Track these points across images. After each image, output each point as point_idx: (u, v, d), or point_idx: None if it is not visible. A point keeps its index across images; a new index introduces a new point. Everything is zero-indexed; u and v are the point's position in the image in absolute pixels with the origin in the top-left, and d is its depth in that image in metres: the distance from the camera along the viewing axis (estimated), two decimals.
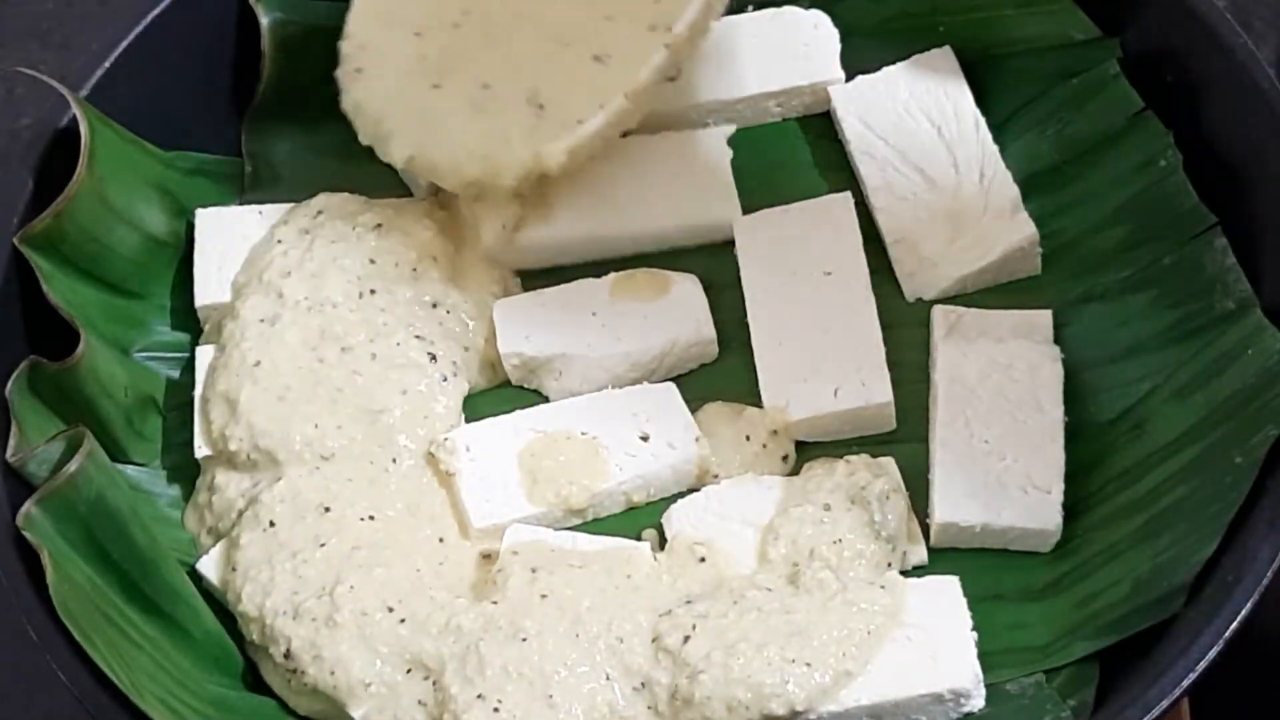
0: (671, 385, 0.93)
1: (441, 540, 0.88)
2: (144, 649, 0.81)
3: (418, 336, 0.92)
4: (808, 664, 0.80)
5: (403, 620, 0.83)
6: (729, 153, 0.99)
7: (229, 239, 0.97)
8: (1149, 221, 0.93)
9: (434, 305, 0.93)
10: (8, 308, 0.89)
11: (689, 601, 0.84)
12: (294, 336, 0.91)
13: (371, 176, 0.99)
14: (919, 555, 0.87)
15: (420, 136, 0.92)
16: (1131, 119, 0.95)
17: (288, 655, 0.83)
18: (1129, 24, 0.97)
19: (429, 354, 0.92)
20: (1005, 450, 0.88)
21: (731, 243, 0.96)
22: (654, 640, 0.82)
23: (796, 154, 1.01)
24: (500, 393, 0.95)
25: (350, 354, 0.91)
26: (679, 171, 0.98)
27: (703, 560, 0.86)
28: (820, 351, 0.92)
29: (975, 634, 0.82)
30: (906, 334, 0.94)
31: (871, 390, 0.90)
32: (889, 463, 0.89)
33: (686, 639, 0.81)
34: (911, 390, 0.93)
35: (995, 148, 0.97)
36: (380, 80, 0.94)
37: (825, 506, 0.86)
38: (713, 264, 0.97)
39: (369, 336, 0.91)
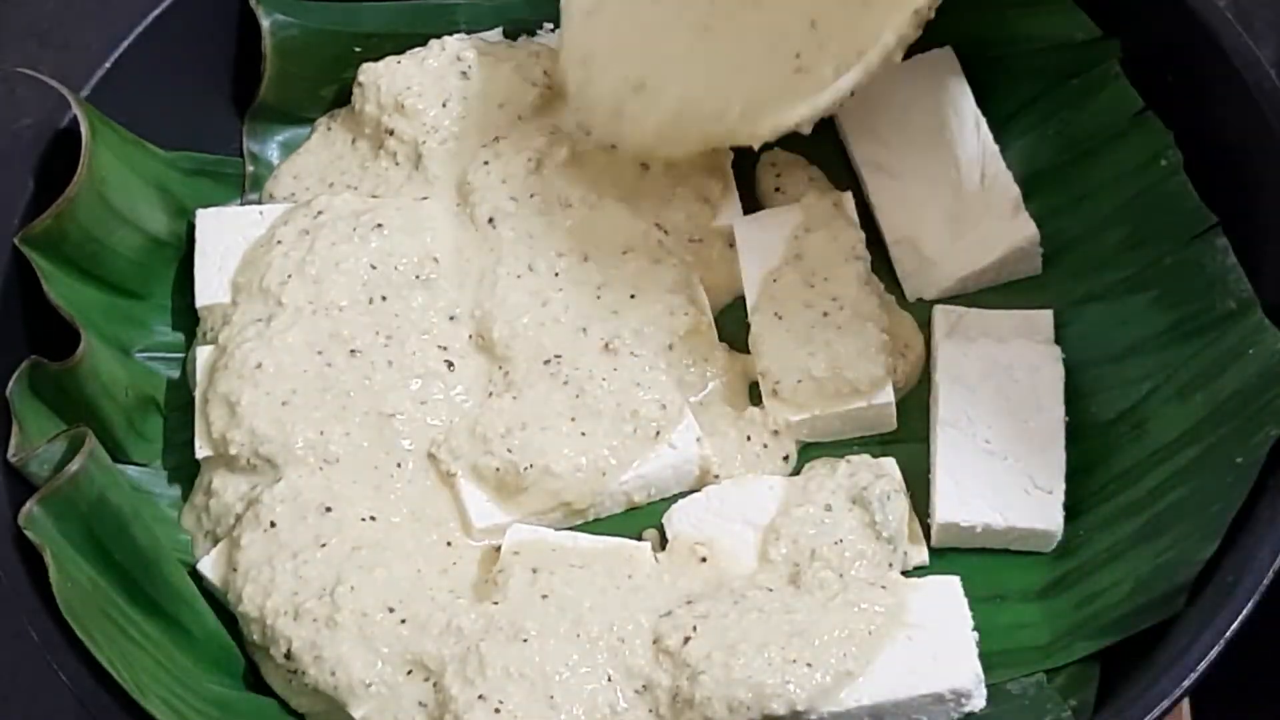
0: None
1: (450, 544, 0.88)
2: (145, 649, 0.81)
3: (441, 347, 0.92)
4: (809, 664, 0.80)
5: (403, 621, 0.83)
6: (729, 153, 0.99)
7: (229, 239, 0.97)
8: (1149, 221, 0.93)
9: (451, 317, 0.93)
10: (8, 308, 0.89)
11: (690, 602, 0.84)
12: (297, 339, 0.91)
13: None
14: (920, 556, 0.87)
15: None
16: (1132, 119, 0.95)
17: (288, 655, 0.83)
18: (1129, 24, 0.97)
19: (446, 362, 0.92)
20: (1006, 450, 0.88)
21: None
22: (655, 641, 0.82)
23: None
24: None
25: (360, 358, 0.91)
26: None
27: (704, 560, 0.86)
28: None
29: (976, 634, 0.82)
30: None
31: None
32: (890, 463, 0.89)
33: (687, 640, 0.81)
34: (912, 390, 0.93)
35: (996, 148, 0.97)
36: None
37: (826, 507, 0.86)
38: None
39: (382, 341, 0.91)
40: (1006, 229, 0.94)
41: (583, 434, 0.88)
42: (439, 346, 0.92)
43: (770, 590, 0.84)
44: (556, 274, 0.93)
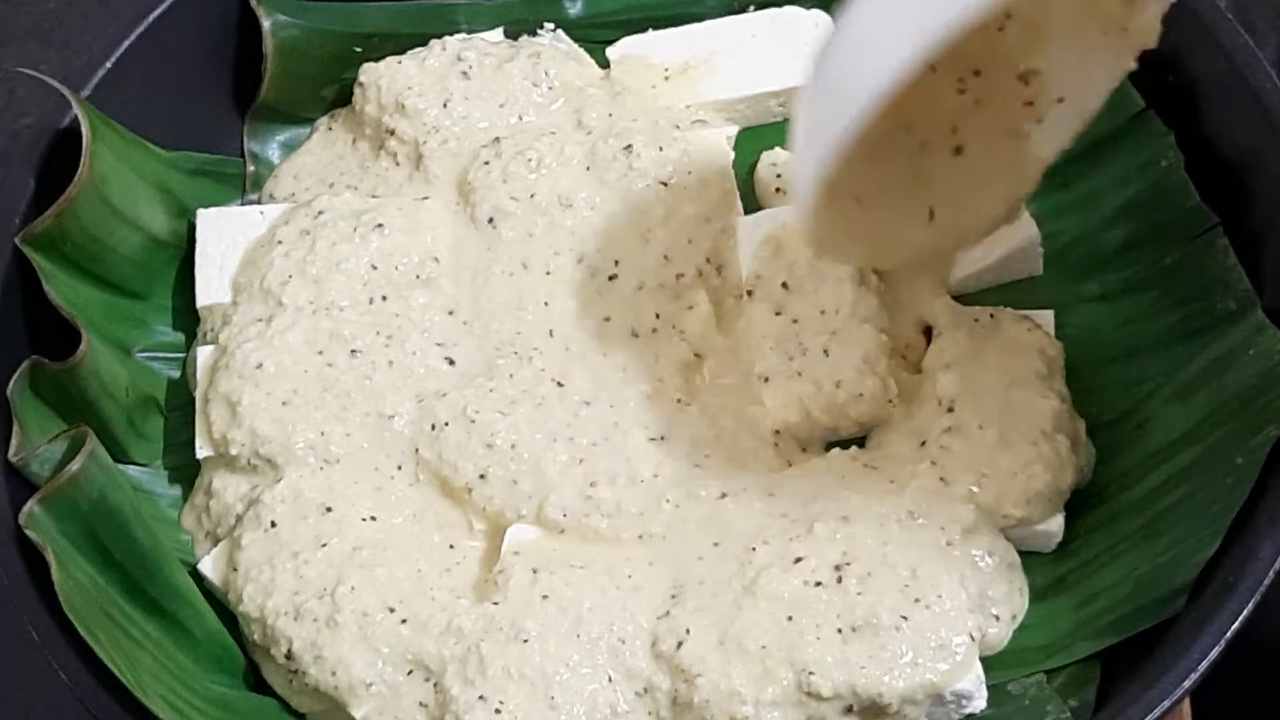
0: None
1: (451, 546, 0.87)
2: (147, 648, 0.81)
3: (438, 344, 0.92)
4: None
5: (404, 621, 0.83)
6: (731, 153, 0.99)
7: (230, 239, 0.97)
8: (1150, 221, 0.93)
9: (450, 313, 0.93)
10: (9, 308, 0.89)
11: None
12: (298, 339, 0.91)
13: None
14: None
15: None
16: (1133, 119, 0.95)
17: (289, 656, 0.83)
18: None
19: (446, 359, 0.92)
20: None
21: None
22: (652, 644, 0.81)
23: None
24: None
25: (360, 358, 0.91)
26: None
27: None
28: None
29: None
30: None
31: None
32: None
33: (680, 644, 0.81)
34: None
35: None
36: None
37: None
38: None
39: (383, 341, 0.91)
40: (1007, 229, 0.94)
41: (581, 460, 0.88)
42: (438, 345, 0.92)
43: None
44: (548, 273, 0.94)
